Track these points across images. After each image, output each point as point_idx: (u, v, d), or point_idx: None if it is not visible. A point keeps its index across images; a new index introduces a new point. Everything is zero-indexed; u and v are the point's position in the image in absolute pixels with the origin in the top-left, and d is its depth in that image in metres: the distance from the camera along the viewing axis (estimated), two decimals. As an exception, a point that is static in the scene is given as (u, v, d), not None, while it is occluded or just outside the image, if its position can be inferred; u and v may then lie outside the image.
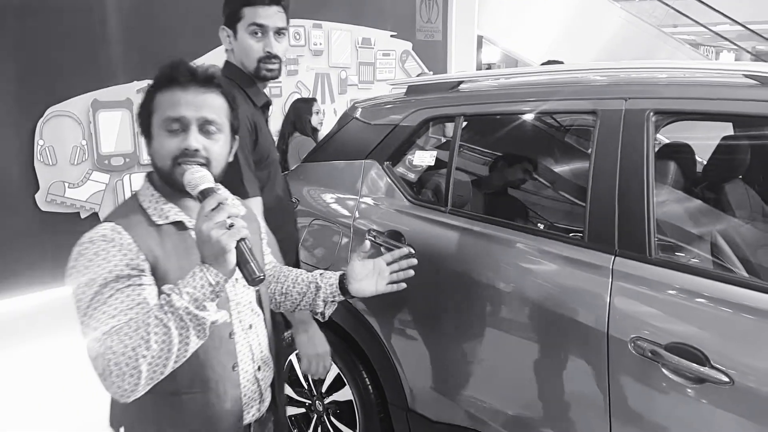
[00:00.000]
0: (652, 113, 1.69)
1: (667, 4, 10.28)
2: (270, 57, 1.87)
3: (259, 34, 1.84)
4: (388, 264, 1.52)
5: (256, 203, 1.79)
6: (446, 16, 6.02)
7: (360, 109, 2.62)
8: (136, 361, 1.10)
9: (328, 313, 1.59)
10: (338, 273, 1.56)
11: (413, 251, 1.52)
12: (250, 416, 1.44)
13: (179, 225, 1.32)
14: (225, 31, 1.91)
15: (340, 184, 2.52)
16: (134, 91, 4.00)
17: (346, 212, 2.42)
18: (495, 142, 2.83)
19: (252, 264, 1.16)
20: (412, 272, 1.51)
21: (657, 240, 1.65)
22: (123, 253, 1.21)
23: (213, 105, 1.29)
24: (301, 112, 4.51)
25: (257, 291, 1.47)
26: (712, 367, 1.48)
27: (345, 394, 2.41)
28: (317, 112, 4.52)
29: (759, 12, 13.21)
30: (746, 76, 1.64)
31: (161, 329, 1.11)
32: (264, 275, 1.17)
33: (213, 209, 1.14)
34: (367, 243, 1.54)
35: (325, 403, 2.48)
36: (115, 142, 3.97)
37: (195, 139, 1.26)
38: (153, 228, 1.28)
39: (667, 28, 10.53)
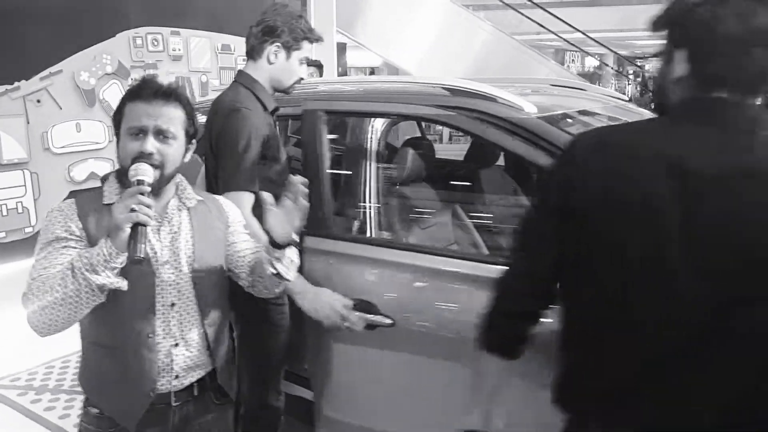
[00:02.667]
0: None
1: (523, 14, 11.20)
2: (300, 81, 2.29)
3: (304, 64, 2.25)
4: (290, 198, 1.59)
5: (239, 197, 1.99)
6: (304, 25, 6.53)
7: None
8: (43, 302, 1.40)
9: (283, 270, 1.63)
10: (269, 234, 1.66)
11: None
12: (160, 385, 1.60)
13: None
14: (277, 47, 2.18)
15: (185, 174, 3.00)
16: (-8, 95, 4.25)
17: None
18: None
19: (138, 245, 1.36)
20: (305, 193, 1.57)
21: (336, 219, 2.16)
22: (65, 221, 1.52)
23: (170, 115, 1.54)
24: None
25: (192, 276, 1.61)
26: (380, 314, 2.00)
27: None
28: None
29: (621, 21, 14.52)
30: (443, 87, 2.28)
31: (62, 282, 1.39)
32: (143, 258, 1.37)
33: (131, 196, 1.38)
34: (267, 195, 1.61)
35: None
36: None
37: (150, 144, 1.50)
38: (100, 206, 1.56)
39: (530, 36, 11.51)
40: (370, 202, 2.35)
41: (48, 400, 3.33)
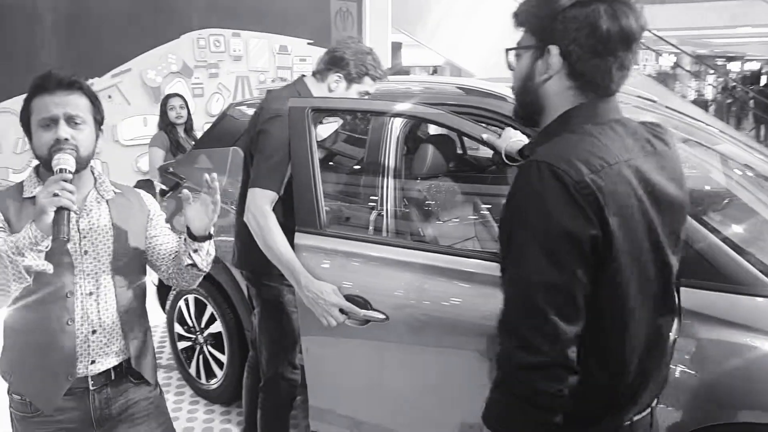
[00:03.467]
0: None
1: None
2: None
3: (366, 98, 2.38)
4: (206, 194, 1.67)
5: (256, 193, 2.14)
6: (361, 26, 6.76)
7: (233, 108, 3.36)
8: None
9: (199, 261, 1.73)
10: (187, 227, 1.73)
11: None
12: (77, 370, 1.65)
13: None
14: (338, 77, 2.31)
15: (215, 166, 3.24)
16: (68, 91, 4.67)
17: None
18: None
19: (61, 227, 1.42)
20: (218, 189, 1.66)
21: (327, 215, 2.18)
22: None
23: (76, 103, 1.59)
24: (161, 109, 4.68)
25: (110, 266, 1.67)
26: (373, 309, 2.02)
27: (216, 327, 3.13)
28: (171, 108, 4.59)
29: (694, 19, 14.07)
30: (457, 87, 2.41)
31: None
32: (67, 239, 1.43)
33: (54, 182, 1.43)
34: (186, 191, 1.69)
35: (204, 335, 3.21)
36: (52, 135, 4.63)
37: (63, 131, 1.55)
38: (20, 197, 1.62)
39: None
40: (386, 198, 2.46)
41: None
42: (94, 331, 1.66)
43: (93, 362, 1.67)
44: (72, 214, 1.51)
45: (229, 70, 5.64)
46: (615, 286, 1.09)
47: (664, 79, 16.45)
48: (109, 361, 1.70)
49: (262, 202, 2.13)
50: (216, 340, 3.16)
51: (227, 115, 3.36)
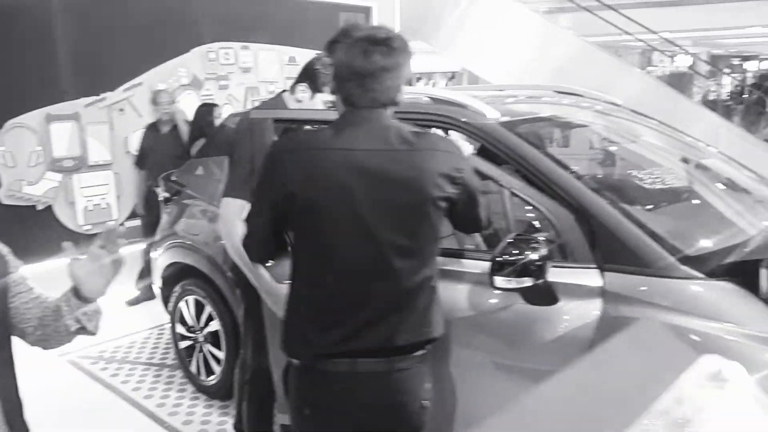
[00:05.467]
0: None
1: (598, 16, 11.07)
2: None
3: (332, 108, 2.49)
4: (102, 247, 1.35)
5: (227, 203, 2.28)
6: (367, 36, 6.91)
7: (231, 119, 3.56)
8: None
9: (89, 324, 1.41)
10: (71, 286, 1.39)
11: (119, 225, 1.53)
12: None
13: None
14: (304, 87, 2.53)
15: (214, 173, 3.44)
16: (82, 105, 4.90)
17: (212, 194, 3.33)
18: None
19: None
20: (120, 243, 1.39)
21: None
22: None
23: None
24: (202, 117, 4.88)
25: None
26: None
27: (214, 326, 3.32)
28: (218, 117, 4.80)
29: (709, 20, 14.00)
30: (429, 97, 2.56)
31: None
32: None
33: None
34: (68, 243, 1.39)
35: (204, 334, 3.40)
36: (66, 148, 4.84)
37: None
38: None
39: (614, 37, 11.32)
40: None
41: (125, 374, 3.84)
42: None
43: None
44: None
45: (239, 81, 5.84)
46: (301, 226, 1.66)
47: (678, 80, 16.34)
48: None
49: (231, 210, 2.26)
50: (214, 338, 3.34)
51: (225, 126, 3.56)
